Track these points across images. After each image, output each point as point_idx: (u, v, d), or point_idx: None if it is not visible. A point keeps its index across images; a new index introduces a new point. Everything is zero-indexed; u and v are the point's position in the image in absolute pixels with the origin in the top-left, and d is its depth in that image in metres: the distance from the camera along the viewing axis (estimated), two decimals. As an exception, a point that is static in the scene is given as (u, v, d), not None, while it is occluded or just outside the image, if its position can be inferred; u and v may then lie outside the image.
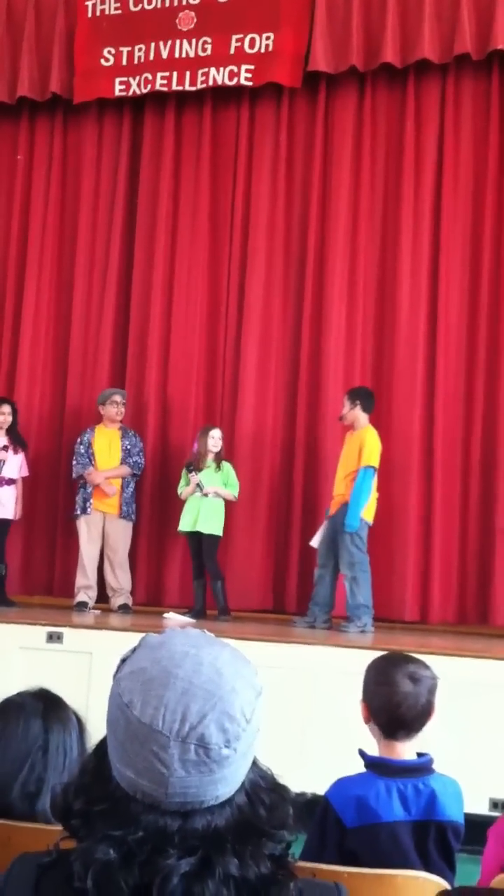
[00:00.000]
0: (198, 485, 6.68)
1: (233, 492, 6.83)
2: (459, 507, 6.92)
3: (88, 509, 7.02)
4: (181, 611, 6.83)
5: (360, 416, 6.45)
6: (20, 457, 7.14)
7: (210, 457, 6.78)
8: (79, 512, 7.06)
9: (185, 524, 6.77)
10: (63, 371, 7.84)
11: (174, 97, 7.62)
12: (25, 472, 7.20)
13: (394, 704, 2.37)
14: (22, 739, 1.97)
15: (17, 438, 7.15)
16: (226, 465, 6.85)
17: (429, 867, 2.11)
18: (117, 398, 7.18)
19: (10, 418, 7.13)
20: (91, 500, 7.03)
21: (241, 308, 7.43)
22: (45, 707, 2.03)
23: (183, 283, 7.59)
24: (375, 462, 6.28)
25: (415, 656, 2.52)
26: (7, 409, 7.15)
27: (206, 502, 6.71)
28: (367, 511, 6.29)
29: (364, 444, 6.27)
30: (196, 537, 6.75)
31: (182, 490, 6.85)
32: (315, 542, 6.51)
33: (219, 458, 6.82)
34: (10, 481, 7.05)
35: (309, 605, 6.48)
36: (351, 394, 6.55)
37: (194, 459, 6.83)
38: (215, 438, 6.81)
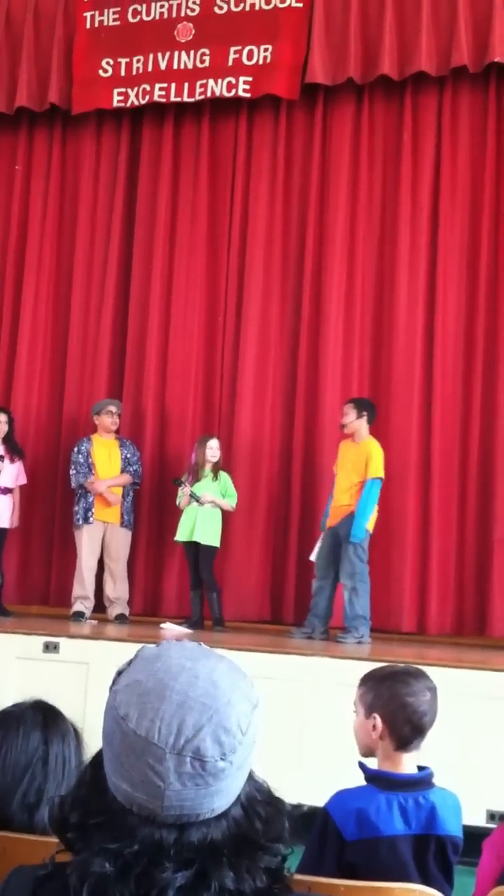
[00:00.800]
0: (191, 495, 6.67)
1: (231, 502, 6.82)
2: (457, 517, 6.92)
3: (91, 519, 7.00)
4: (178, 621, 6.81)
5: (363, 426, 6.45)
6: (17, 465, 7.13)
7: (208, 466, 6.78)
8: (80, 522, 7.04)
9: (183, 534, 6.76)
10: (60, 379, 7.84)
11: (172, 108, 7.65)
12: (23, 481, 7.19)
13: (419, 715, 2.39)
14: (22, 751, 1.97)
15: (13, 447, 7.14)
16: (223, 475, 6.84)
17: (427, 881, 2.10)
18: (112, 408, 7.18)
19: (6, 426, 7.11)
20: (93, 510, 7.01)
21: (239, 317, 7.44)
22: (44, 718, 2.04)
23: (181, 293, 7.60)
24: (383, 473, 6.30)
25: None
26: (3, 417, 7.14)
27: (203, 512, 6.70)
28: (370, 522, 6.29)
29: (371, 456, 6.29)
30: (193, 547, 6.74)
31: (180, 501, 6.85)
32: (314, 556, 6.50)
33: (216, 468, 6.82)
34: (6, 490, 7.03)
35: (308, 616, 6.47)
36: (357, 403, 6.54)
37: (190, 471, 6.83)
38: (213, 448, 6.80)
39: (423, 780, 2.39)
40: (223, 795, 1.11)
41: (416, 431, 6.97)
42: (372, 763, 2.45)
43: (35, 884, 1.16)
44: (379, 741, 2.43)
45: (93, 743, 1.27)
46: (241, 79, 7.25)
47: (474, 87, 7.12)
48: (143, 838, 1.09)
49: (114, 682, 1.16)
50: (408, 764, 2.41)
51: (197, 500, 6.65)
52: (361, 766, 2.44)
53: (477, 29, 6.86)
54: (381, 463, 6.31)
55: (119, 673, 1.17)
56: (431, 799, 2.36)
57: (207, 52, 7.34)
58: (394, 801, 2.33)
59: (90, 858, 1.09)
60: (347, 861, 2.28)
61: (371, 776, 2.40)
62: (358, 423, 6.45)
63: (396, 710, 2.40)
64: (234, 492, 6.85)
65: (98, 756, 1.18)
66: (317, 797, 2.38)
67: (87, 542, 7.00)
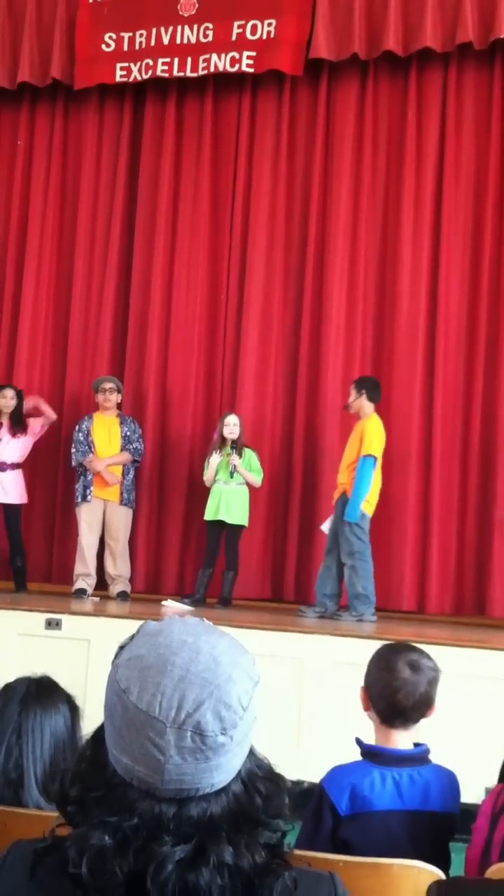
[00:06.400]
0: (231, 464, 6.60)
1: (257, 477, 6.77)
2: (458, 498, 6.92)
3: (89, 497, 7.01)
4: (179, 598, 6.83)
5: (365, 405, 6.42)
6: (23, 440, 7.12)
7: (227, 444, 6.71)
8: (79, 500, 7.04)
9: (209, 512, 6.71)
10: (62, 358, 7.82)
11: (175, 83, 7.58)
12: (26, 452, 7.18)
13: (392, 690, 2.39)
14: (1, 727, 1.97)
15: (20, 423, 7.13)
16: (247, 452, 6.75)
17: (421, 857, 2.12)
18: (106, 385, 7.14)
19: (12, 402, 7.10)
20: (91, 488, 7.02)
21: (241, 296, 7.41)
22: (28, 691, 2.03)
23: (183, 271, 7.57)
24: (376, 451, 6.23)
25: (419, 647, 2.53)
26: (10, 393, 7.13)
27: (229, 491, 6.65)
28: (368, 503, 6.25)
29: (365, 433, 6.24)
30: (218, 526, 6.70)
31: (206, 474, 6.72)
32: (325, 527, 6.47)
33: (239, 445, 6.73)
34: (15, 465, 7.04)
35: (317, 596, 6.43)
36: (357, 382, 6.53)
37: (215, 446, 6.74)
38: (230, 425, 6.70)
39: (417, 757, 2.41)
40: (223, 770, 1.11)
41: (417, 413, 6.95)
42: (368, 739, 2.47)
43: (34, 857, 1.16)
44: (370, 715, 2.46)
45: (93, 719, 1.27)
46: (245, 54, 7.18)
47: (479, 64, 7.05)
48: (143, 812, 1.10)
49: (116, 657, 1.17)
50: (401, 740, 2.42)
51: (233, 469, 6.57)
52: (358, 741, 2.46)
53: (482, 5, 6.78)
54: (375, 441, 6.22)
55: (121, 647, 1.18)
56: (426, 775, 2.37)
57: (211, 26, 7.27)
58: (388, 776, 2.34)
59: (89, 832, 1.10)
60: (342, 836, 2.30)
61: (366, 751, 2.42)
62: (359, 402, 6.43)
63: (373, 685, 2.44)
64: (260, 468, 6.80)
65: (99, 730, 1.19)
66: (316, 774, 2.40)
67: (87, 520, 7.01)
